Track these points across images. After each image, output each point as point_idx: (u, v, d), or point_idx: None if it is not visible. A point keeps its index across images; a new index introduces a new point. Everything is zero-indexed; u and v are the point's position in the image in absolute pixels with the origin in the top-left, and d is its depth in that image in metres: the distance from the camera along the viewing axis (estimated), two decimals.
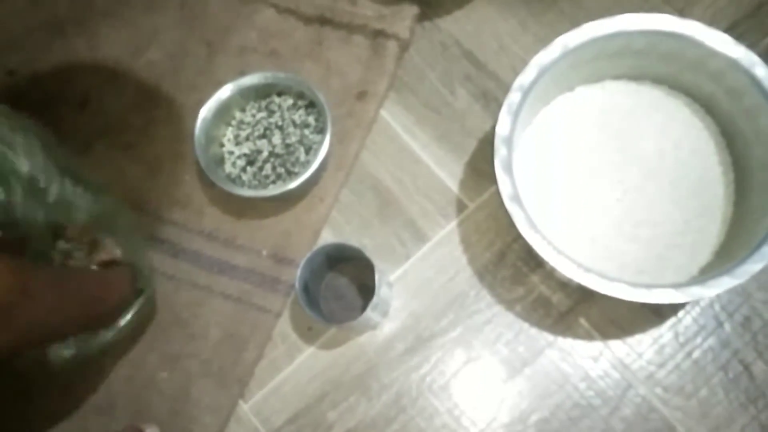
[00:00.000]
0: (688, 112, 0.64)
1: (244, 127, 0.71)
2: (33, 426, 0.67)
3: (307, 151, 0.69)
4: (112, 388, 0.67)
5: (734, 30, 0.68)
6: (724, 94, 0.61)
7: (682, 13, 0.70)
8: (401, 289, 0.68)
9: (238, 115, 0.72)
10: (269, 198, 0.67)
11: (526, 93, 0.59)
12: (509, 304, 0.66)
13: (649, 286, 0.54)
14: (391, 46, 0.72)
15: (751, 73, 0.57)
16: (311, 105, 0.70)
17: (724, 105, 0.62)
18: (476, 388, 0.64)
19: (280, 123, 0.71)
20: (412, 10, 0.73)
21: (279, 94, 0.71)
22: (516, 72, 0.59)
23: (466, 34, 0.73)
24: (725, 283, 0.53)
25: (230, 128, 0.72)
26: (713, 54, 0.58)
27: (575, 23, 0.60)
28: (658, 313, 0.64)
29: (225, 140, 0.71)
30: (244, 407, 0.66)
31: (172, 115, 0.74)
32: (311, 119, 0.70)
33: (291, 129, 0.70)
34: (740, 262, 0.54)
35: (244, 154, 0.70)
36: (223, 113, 0.70)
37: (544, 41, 0.60)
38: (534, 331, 0.65)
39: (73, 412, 0.67)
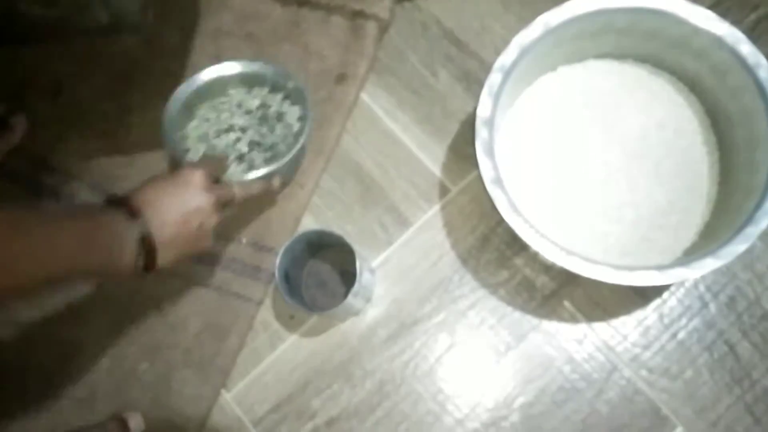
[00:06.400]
0: (672, 90, 0.63)
1: (220, 114, 0.69)
2: (12, 419, 0.66)
3: (286, 137, 0.68)
4: (92, 379, 0.66)
5: (718, 7, 0.67)
6: (709, 73, 0.60)
7: None
8: (384, 275, 0.67)
9: (214, 102, 0.70)
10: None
11: (507, 74, 0.58)
12: (493, 288, 0.65)
13: (632, 268, 0.54)
14: (371, 27, 0.70)
15: (735, 51, 0.56)
16: (290, 90, 0.68)
17: (709, 83, 0.61)
18: (460, 373, 0.64)
19: (258, 109, 0.69)
20: None
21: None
22: (498, 52, 0.58)
23: (447, 14, 0.72)
24: (709, 265, 0.53)
25: (203, 116, 0.69)
26: (697, 31, 0.57)
27: (557, 1, 0.58)
28: (643, 295, 0.63)
29: (195, 129, 0.69)
30: (227, 396, 0.65)
31: (147, 103, 0.72)
32: (289, 105, 0.68)
33: (269, 114, 0.68)
34: (724, 243, 0.53)
35: (221, 142, 0.68)
36: (196, 101, 0.68)
37: (527, 20, 0.58)
38: (518, 315, 0.64)
39: (52, 404, 0.66)
